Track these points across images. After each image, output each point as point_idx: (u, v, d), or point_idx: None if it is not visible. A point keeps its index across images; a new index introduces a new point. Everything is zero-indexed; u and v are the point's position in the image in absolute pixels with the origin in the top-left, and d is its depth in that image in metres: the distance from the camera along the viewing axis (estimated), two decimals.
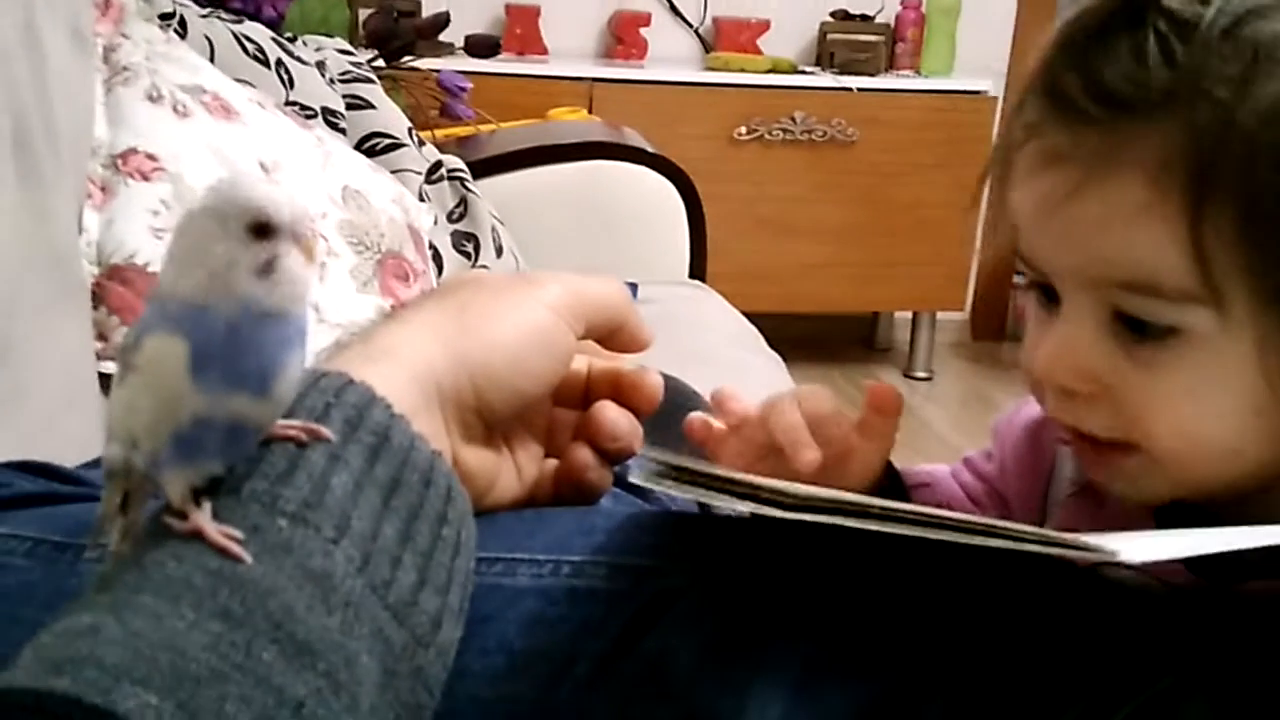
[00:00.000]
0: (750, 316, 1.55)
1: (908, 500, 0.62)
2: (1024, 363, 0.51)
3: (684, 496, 0.44)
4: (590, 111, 2.39)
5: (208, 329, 0.35)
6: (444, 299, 0.48)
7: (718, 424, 0.57)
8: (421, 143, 1.49)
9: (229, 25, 1.32)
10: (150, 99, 1.03)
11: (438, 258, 1.33)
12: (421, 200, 1.37)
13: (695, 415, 0.58)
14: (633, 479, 0.45)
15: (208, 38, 1.27)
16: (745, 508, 0.41)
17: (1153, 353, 0.46)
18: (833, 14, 2.88)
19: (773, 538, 0.43)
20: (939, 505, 0.63)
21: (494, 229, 1.45)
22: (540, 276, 0.49)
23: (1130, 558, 0.34)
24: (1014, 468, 0.61)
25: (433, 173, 1.45)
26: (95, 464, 0.59)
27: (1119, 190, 0.44)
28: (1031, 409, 0.61)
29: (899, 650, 0.39)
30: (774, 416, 0.54)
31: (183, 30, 1.24)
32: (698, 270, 1.67)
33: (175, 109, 1.04)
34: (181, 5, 1.26)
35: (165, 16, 1.21)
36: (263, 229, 0.34)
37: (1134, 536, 0.37)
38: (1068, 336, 0.48)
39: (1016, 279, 3.27)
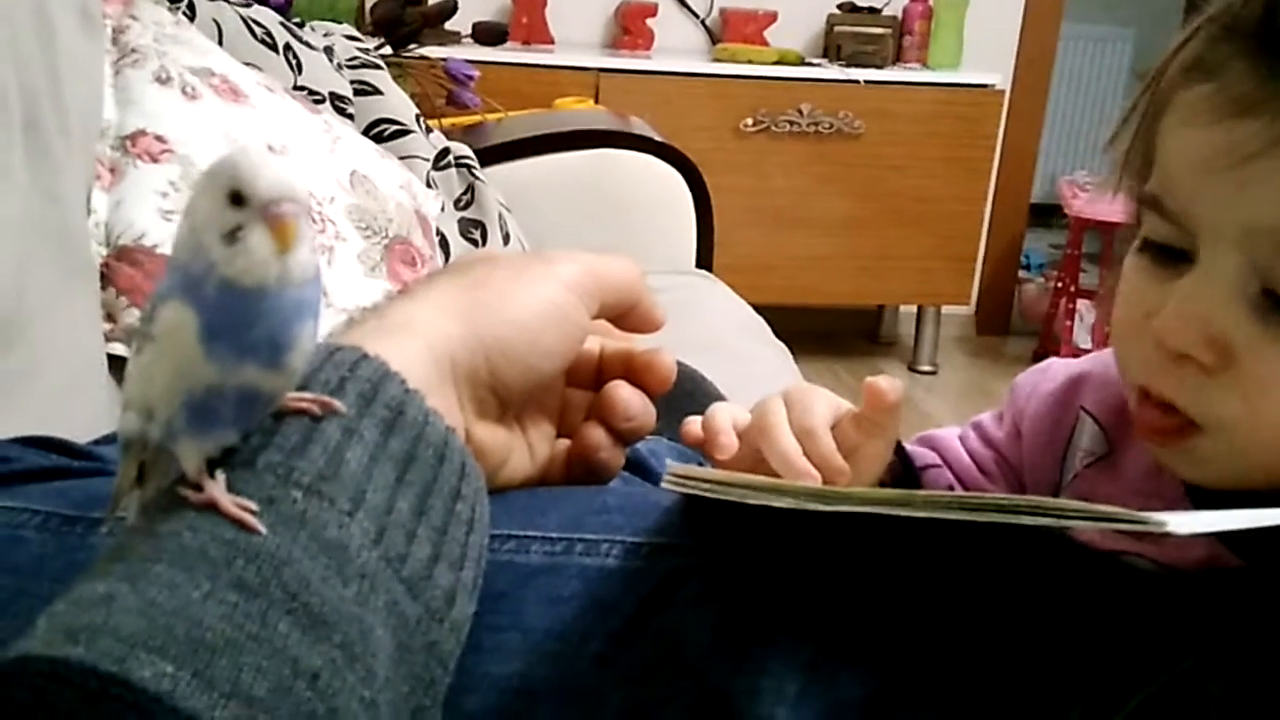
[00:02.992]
0: (755, 308, 1.54)
1: (919, 485, 0.62)
2: (1115, 322, 0.49)
3: (715, 498, 0.43)
4: (596, 102, 2.38)
5: (207, 296, 0.35)
6: (459, 275, 0.48)
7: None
8: (429, 130, 1.49)
9: (237, 9, 1.31)
10: (159, 81, 1.02)
11: (445, 244, 1.32)
12: (429, 187, 1.37)
13: (691, 422, 0.57)
14: (664, 486, 0.44)
15: (216, 21, 1.27)
16: (782, 504, 0.40)
17: None
18: (840, 6, 2.87)
19: (786, 519, 0.43)
20: (950, 484, 0.63)
21: (501, 216, 1.45)
22: (556, 255, 0.49)
23: (1178, 530, 0.33)
24: (1032, 435, 0.60)
25: (440, 159, 1.45)
26: (105, 440, 0.59)
27: None
28: (1056, 376, 0.60)
29: (915, 633, 0.39)
30: (766, 445, 0.51)
31: (191, 13, 1.23)
32: (704, 260, 1.67)
33: (184, 91, 1.03)
34: None
35: None
36: (237, 197, 0.34)
37: (1180, 513, 0.36)
38: (1203, 297, 0.44)
39: (1021, 274, 3.27)
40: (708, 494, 0.42)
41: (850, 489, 0.39)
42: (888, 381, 0.49)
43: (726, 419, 0.54)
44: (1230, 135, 0.43)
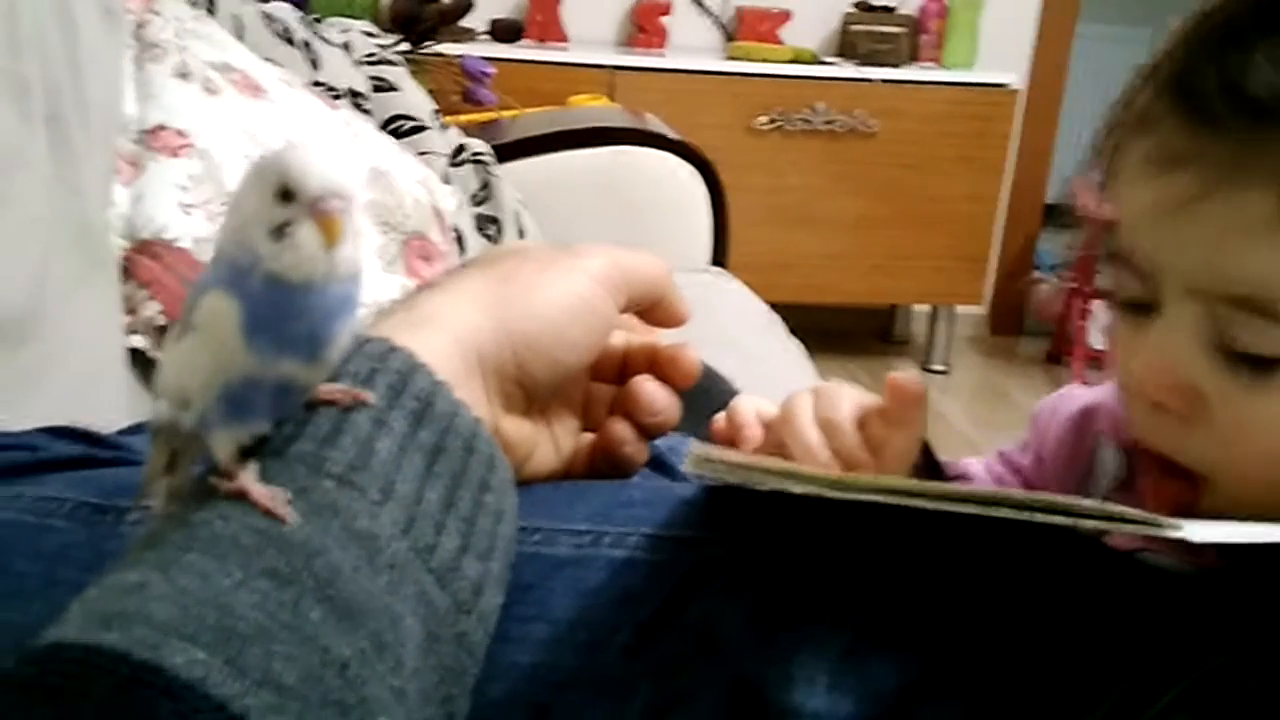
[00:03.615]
0: (768, 306, 1.54)
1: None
2: (1118, 371, 0.49)
3: (734, 482, 0.43)
4: (611, 99, 2.38)
5: (252, 288, 0.35)
6: (487, 268, 0.48)
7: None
8: (445, 126, 1.50)
9: (257, 4, 1.32)
10: (180, 76, 1.03)
11: (460, 240, 1.33)
12: (445, 183, 1.37)
13: (720, 418, 0.57)
14: (684, 470, 0.44)
15: (236, 16, 1.27)
16: (800, 489, 0.40)
17: (1257, 376, 0.43)
18: (855, 5, 2.87)
19: (814, 510, 0.43)
20: None
21: (516, 212, 1.45)
22: (583, 248, 0.49)
23: (1193, 537, 0.33)
24: (1053, 459, 0.60)
25: (456, 156, 1.45)
26: (130, 431, 0.59)
27: (1246, 203, 0.42)
28: (1074, 402, 0.61)
29: (945, 625, 0.39)
30: (789, 435, 0.51)
31: (212, 8, 1.24)
32: (719, 257, 1.67)
33: (204, 86, 1.04)
34: None
35: None
36: (286, 193, 0.35)
37: (1196, 521, 0.36)
38: (1166, 346, 0.45)
39: (1034, 274, 3.26)
40: (725, 476, 0.42)
41: (865, 477, 0.39)
42: (908, 376, 0.50)
43: (751, 410, 0.54)
44: (1167, 188, 0.44)
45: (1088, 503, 0.35)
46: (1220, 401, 0.44)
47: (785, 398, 0.53)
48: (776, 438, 0.53)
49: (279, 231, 0.35)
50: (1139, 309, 0.47)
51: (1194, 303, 0.44)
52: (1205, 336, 0.44)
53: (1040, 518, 0.35)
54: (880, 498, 0.37)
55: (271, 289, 0.35)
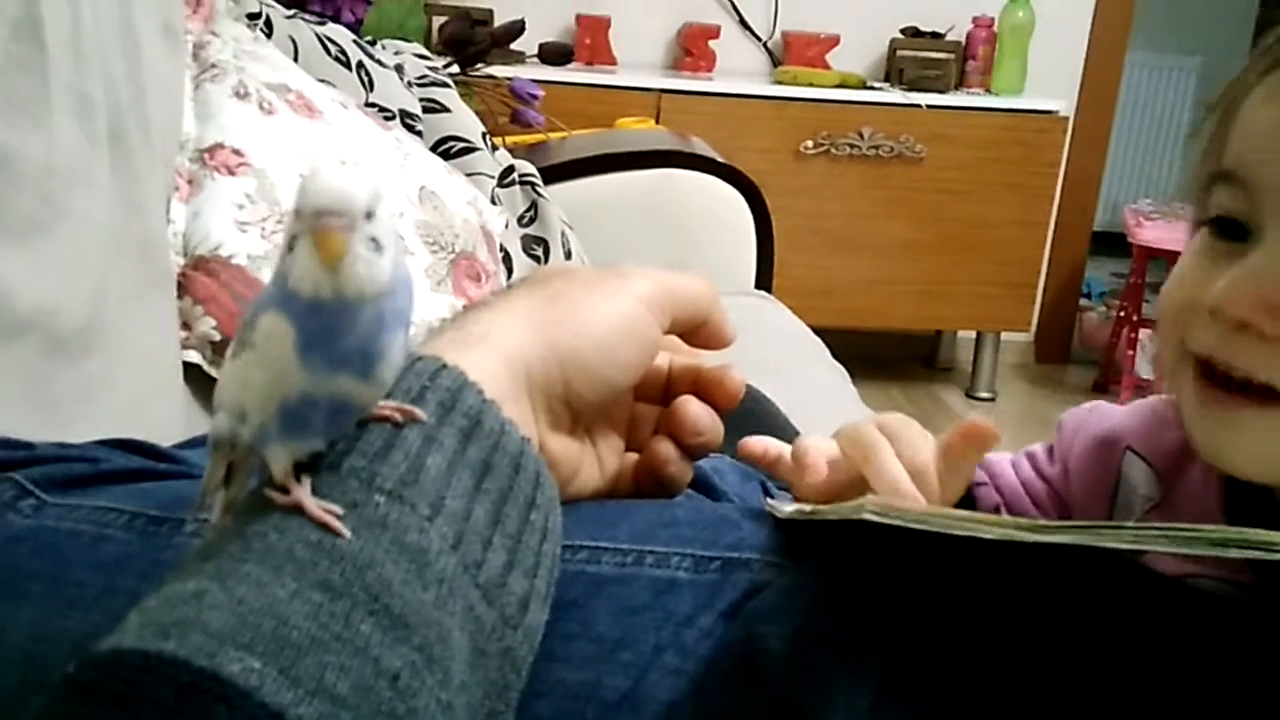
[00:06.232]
0: (811, 330, 1.54)
1: (972, 504, 0.61)
2: (1170, 299, 0.50)
3: (917, 528, 0.41)
4: (657, 122, 2.40)
5: (297, 309, 0.36)
6: (536, 288, 0.49)
7: (786, 455, 0.57)
8: (495, 147, 1.51)
9: (312, 27, 1.34)
10: (237, 96, 1.05)
11: (508, 260, 1.34)
12: (494, 203, 1.39)
13: (752, 440, 0.58)
14: (866, 516, 0.43)
15: (292, 38, 1.30)
16: (993, 535, 0.39)
17: None
18: (903, 30, 2.87)
19: (858, 533, 0.43)
20: (997, 504, 0.63)
21: (563, 234, 1.46)
22: (630, 269, 0.50)
23: None
24: (1078, 475, 0.60)
25: (505, 177, 1.46)
26: (186, 445, 0.61)
27: None
28: (1101, 419, 0.61)
29: (990, 654, 0.39)
30: (872, 469, 0.51)
31: (269, 30, 1.26)
32: (764, 281, 1.67)
33: (261, 106, 1.06)
34: (268, 6, 1.29)
35: (252, 16, 1.24)
36: (297, 210, 0.35)
37: None
38: (1269, 270, 0.45)
39: (1083, 302, 3.23)
40: (911, 525, 0.40)
41: (1059, 523, 0.39)
42: (988, 423, 0.51)
43: (818, 449, 0.54)
44: None
45: (1200, 527, 0.35)
46: None
47: (847, 430, 0.53)
48: (843, 476, 0.53)
49: (289, 246, 0.35)
50: (1231, 233, 0.48)
51: None
52: None
53: (1148, 546, 0.35)
54: (1077, 540, 0.37)
55: (307, 307, 0.35)
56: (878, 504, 0.41)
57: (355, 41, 1.40)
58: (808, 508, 0.46)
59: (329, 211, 0.34)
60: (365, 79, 1.37)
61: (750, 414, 0.86)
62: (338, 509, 0.36)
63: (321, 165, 0.36)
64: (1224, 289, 0.46)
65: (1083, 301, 3.25)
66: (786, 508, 0.47)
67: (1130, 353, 2.84)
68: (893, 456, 0.51)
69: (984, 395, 2.95)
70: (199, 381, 0.90)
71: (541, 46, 2.37)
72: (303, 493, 0.37)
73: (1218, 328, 0.47)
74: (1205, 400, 0.48)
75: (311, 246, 0.35)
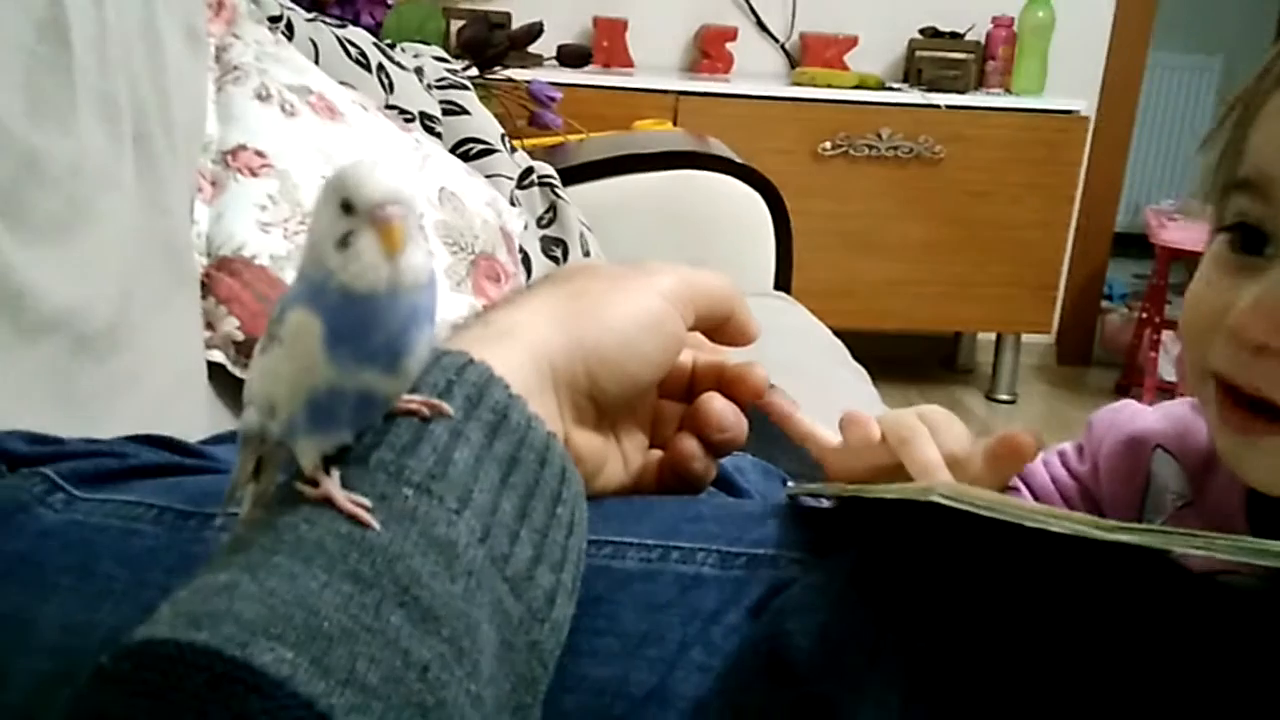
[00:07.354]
0: (831, 332, 1.54)
1: None
2: (1189, 319, 0.49)
3: (986, 515, 0.40)
4: (675, 124, 2.40)
5: (329, 303, 0.36)
6: (561, 284, 0.49)
7: (825, 434, 0.56)
8: (513, 149, 1.52)
9: (333, 30, 1.35)
10: (259, 98, 1.05)
11: (526, 261, 1.34)
12: (513, 205, 1.39)
13: (775, 397, 0.56)
14: (936, 499, 0.43)
15: (313, 41, 1.30)
16: (1061, 529, 0.38)
17: None
18: (922, 31, 2.86)
19: (884, 527, 0.43)
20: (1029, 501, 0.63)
21: (582, 235, 1.46)
22: (654, 266, 0.50)
23: None
24: (1108, 472, 0.60)
25: (524, 178, 1.47)
26: (212, 441, 0.61)
27: None
28: (1131, 417, 0.60)
29: (1021, 652, 0.39)
30: (909, 452, 0.51)
31: (290, 32, 1.27)
32: (783, 282, 1.67)
33: (283, 108, 1.07)
34: (289, 9, 1.29)
35: (274, 19, 1.25)
36: (347, 205, 0.35)
37: None
38: None
39: (1104, 303, 3.22)
40: (982, 512, 0.39)
41: (1126, 523, 0.38)
42: (1029, 438, 0.50)
43: (869, 419, 0.54)
44: None
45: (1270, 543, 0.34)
46: None
47: (889, 414, 0.53)
48: (872, 461, 0.52)
49: (343, 242, 0.36)
50: (1250, 246, 0.47)
51: None
52: None
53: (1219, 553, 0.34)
54: (1146, 541, 0.36)
55: (345, 301, 0.36)
56: (950, 488, 0.40)
57: (375, 44, 1.40)
58: (851, 487, 0.46)
59: (388, 201, 0.35)
60: (385, 81, 1.37)
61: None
62: (367, 502, 0.36)
63: (355, 162, 0.37)
64: (1242, 312, 0.45)
65: (1104, 303, 3.23)
66: (825, 488, 0.47)
67: (1152, 354, 2.82)
68: (932, 443, 0.51)
69: (1004, 397, 2.94)
70: (222, 381, 0.90)
71: (559, 49, 2.37)
72: (332, 485, 0.37)
73: (1237, 350, 0.46)
74: (1227, 419, 0.48)
75: (375, 238, 0.35)
